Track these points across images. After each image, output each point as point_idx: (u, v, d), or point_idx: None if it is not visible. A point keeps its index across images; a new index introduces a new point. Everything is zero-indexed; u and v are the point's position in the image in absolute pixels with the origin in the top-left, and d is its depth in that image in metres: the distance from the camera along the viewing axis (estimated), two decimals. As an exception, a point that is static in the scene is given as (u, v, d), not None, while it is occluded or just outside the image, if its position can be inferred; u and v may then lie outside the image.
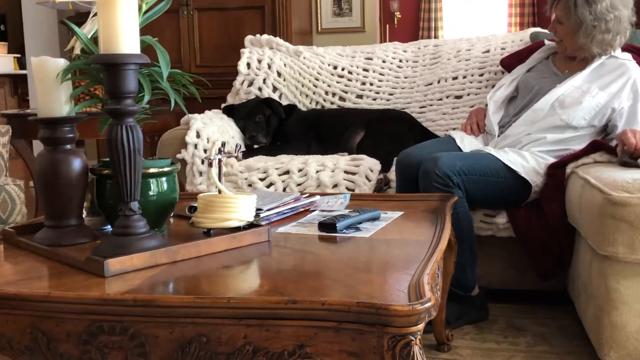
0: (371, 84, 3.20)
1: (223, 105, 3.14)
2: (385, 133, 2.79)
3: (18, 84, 7.55)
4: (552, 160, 2.27)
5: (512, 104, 2.48)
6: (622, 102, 2.28)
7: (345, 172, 2.47)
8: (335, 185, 2.44)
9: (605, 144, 2.18)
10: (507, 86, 2.53)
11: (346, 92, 3.20)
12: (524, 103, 2.40)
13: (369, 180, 2.45)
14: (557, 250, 2.19)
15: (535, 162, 2.25)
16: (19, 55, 8.16)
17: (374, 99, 3.17)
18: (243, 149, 2.81)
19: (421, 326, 1.07)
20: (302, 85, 3.22)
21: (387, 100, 3.15)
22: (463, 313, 2.21)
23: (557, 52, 2.49)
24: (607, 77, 2.31)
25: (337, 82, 3.22)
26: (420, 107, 3.06)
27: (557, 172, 2.22)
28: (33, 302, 1.20)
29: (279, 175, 2.50)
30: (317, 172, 2.47)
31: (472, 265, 2.19)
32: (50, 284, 1.32)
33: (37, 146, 4.52)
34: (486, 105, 2.55)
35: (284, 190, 2.44)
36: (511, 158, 2.25)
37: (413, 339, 1.06)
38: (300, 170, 2.50)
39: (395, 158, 2.42)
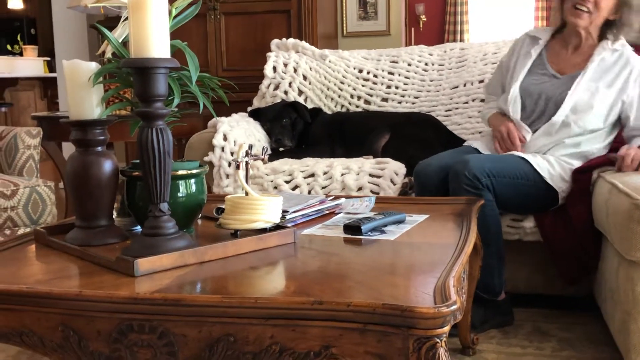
0: (397, 87, 3.20)
1: (249, 108, 3.17)
2: (410, 136, 2.79)
3: (48, 86, 7.68)
4: (577, 163, 2.26)
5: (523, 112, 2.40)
6: (630, 93, 2.27)
7: (370, 175, 2.48)
8: (360, 189, 2.45)
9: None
10: (506, 90, 2.45)
11: (371, 96, 3.21)
12: (536, 115, 2.34)
13: (394, 184, 2.46)
14: (583, 256, 2.17)
15: (561, 169, 2.24)
16: (48, 59, 8.31)
17: (400, 102, 3.17)
18: (269, 151, 2.82)
19: (447, 329, 1.07)
20: (328, 89, 3.24)
21: (413, 103, 3.16)
22: (489, 317, 2.20)
23: (568, 38, 2.36)
24: (610, 72, 2.29)
25: (363, 86, 3.23)
26: (446, 111, 3.06)
27: (582, 177, 2.20)
28: (64, 301, 1.22)
29: (304, 178, 2.52)
30: (342, 175, 2.48)
31: (499, 269, 2.19)
32: (81, 283, 1.34)
33: (67, 148, 4.60)
34: (501, 113, 2.46)
35: (309, 192, 2.45)
36: (539, 162, 2.23)
37: (439, 341, 1.07)
38: (325, 173, 2.51)
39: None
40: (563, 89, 2.30)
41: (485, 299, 2.19)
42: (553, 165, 2.24)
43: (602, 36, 2.34)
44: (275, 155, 2.86)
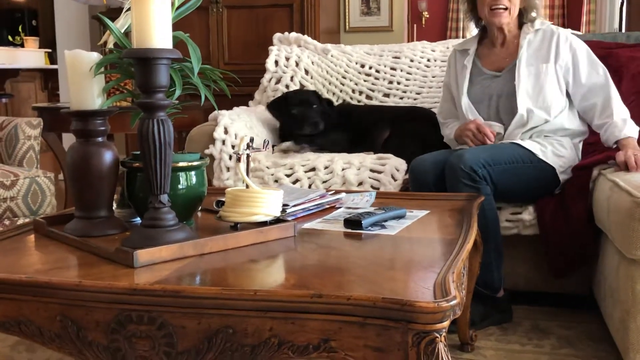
0: (398, 83, 3.20)
1: (254, 103, 3.16)
2: (411, 133, 2.78)
3: (49, 78, 7.67)
4: (565, 140, 2.32)
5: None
6: (563, 57, 2.34)
7: (371, 170, 2.48)
8: (360, 184, 2.44)
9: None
10: (457, 106, 2.50)
11: (373, 91, 3.20)
12: (495, 115, 2.39)
13: (395, 180, 2.45)
14: (579, 251, 2.18)
15: (552, 146, 2.28)
16: (49, 50, 8.30)
17: (401, 98, 3.17)
18: (270, 145, 2.79)
19: (446, 323, 1.07)
20: (330, 83, 3.23)
21: (415, 99, 3.15)
22: (488, 314, 2.20)
23: (493, 38, 2.45)
24: (541, 49, 2.37)
25: (365, 81, 3.23)
26: (448, 107, 3.05)
27: (582, 174, 2.21)
28: (63, 291, 1.22)
29: (305, 172, 2.52)
30: (342, 169, 2.48)
31: (498, 265, 2.19)
32: (80, 273, 1.34)
33: (67, 140, 4.59)
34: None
35: (310, 187, 2.45)
36: (530, 144, 2.27)
37: (438, 336, 1.06)
38: (326, 168, 2.51)
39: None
40: (508, 82, 2.36)
41: (484, 296, 2.19)
42: (543, 144, 2.29)
43: (520, 25, 2.45)
44: (304, 140, 2.79)
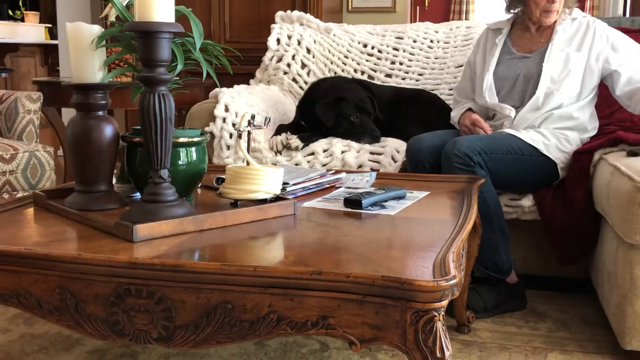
0: (401, 64, 3.18)
1: (251, 80, 3.14)
2: (414, 115, 2.76)
3: (49, 53, 7.62)
4: (571, 134, 2.29)
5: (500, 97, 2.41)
6: (599, 49, 2.32)
7: (371, 152, 2.47)
8: (360, 166, 2.44)
9: (626, 138, 2.16)
10: (479, 82, 2.47)
11: (375, 71, 3.18)
12: (517, 96, 2.36)
13: (395, 162, 2.45)
14: (580, 237, 2.18)
15: (556, 139, 2.26)
16: (50, 26, 8.24)
17: (403, 79, 3.14)
18: (270, 122, 2.69)
19: (445, 302, 1.07)
20: (331, 63, 3.21)
21: (417, 80, 3.13)
22: (502, 301, 2.20)
23: (529, 23, 2.42)
24: (575, 38, 2.36)
25: (367, 61, 3.20)
26: (450, 90, 3.03)
27: (583, 158, 2.20)
28: (63, 263, 1.22)
29: (304, 156, 2.50)
30: (342, 152, 2.47)
31: (504, 245, 2.18)
32: (79, 246, 1.34)
33: (67, 115, 4.58)
34: (468, 109, 2.47)
35: (310, 167, 2.44)
36: (533, 136, 2.24)
37: (436, 315, 1.07)
38: (325, 151, 2.50)
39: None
40: (537, 64, 2.35)
41: (496, 282, 2.19)
42: (547, 137, 2.26)
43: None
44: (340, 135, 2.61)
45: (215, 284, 1.15)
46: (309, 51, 3.21)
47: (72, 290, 1.23)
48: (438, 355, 1.07)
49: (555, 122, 2.30)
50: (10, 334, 2.01)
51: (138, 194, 1.62)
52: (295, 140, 2.52)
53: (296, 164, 2.48)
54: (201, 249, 1.30)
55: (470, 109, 2.45)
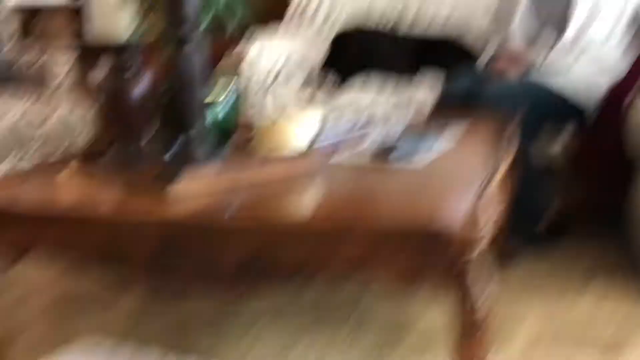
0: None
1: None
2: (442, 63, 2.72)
3: (75, 17, 7.60)
4: (602, 80, 2.27)
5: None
6: None
7: (397, 102, 2.47)
8: (387, 117, 2.42)
9: None
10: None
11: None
12: (550, 30, 2.35)
13: (423, 111, 2.43)
14: (612, 185, 2.16)
15: (586, 83, 2.24)
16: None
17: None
18: (296, 77, 2.70)
19: (478, 250, 1.08)
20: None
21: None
22: (541, 237, 2.22)
23: None
24: None
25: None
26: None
27: (614, 101, 2.18)
28: (100, 224, 1.25)
29: (331, 109, 2.50)
30: (370, 102, 2.47)
31: (538, 191, 2.19)
32: (115, 206, 1.36)
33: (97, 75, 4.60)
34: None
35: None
36: (561, 82, 2.23)
37: (470, 263, 1.08)
38: (352, 104, 2.50)
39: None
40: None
41: (529, 227, 2.20)
42: (576, 81, 2.24)
43: None
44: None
45: (249, 239, 1.17)
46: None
47: (111, 250, 1.26)
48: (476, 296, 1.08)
49: (585, 65, 2.27)
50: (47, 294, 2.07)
51: (172, 151, 1.63)
52: (322, 93, 2.53)
53: (323, 116, 2.47)
54: (235, 205, 1.31)
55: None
